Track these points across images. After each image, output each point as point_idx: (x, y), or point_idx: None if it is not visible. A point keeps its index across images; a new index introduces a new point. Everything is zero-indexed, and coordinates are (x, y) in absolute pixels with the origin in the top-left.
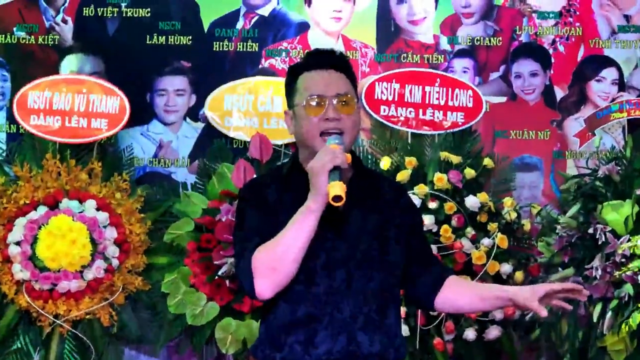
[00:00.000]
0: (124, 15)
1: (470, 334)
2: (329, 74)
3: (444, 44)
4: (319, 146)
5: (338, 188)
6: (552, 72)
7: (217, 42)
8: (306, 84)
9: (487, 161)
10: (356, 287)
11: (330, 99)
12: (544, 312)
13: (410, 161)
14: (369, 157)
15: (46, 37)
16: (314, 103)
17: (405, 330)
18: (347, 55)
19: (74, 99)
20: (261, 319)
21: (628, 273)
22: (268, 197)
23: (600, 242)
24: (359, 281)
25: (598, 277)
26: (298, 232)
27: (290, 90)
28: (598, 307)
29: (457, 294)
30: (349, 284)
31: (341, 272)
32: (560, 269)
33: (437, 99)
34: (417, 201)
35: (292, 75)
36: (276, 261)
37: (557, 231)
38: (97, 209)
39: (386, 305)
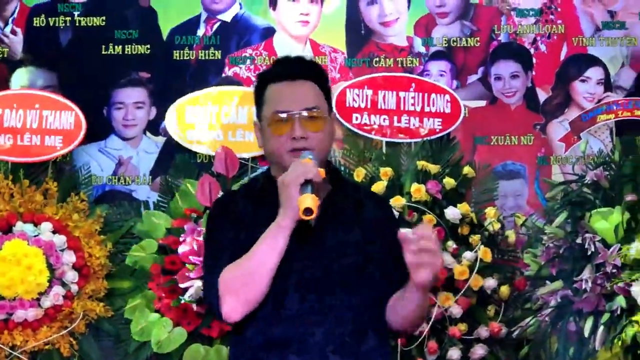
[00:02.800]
0: (77, 24)
1: (454, 354)
2: (296, 86)
3: (419, 46)
4: (289, 163)
5: (310, 200)
6: (533, 73)
7: (177, 51)
8: (272, 98)
9: (467, 170)
10: (330, 309)
11: (296, 115)
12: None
13: (386, 172)
14: (342, 168)
15: None
16: (280, 120)
17: None
18: (318, 63)
19: (26, 116)
20: (230, 344)
21: (620, 284)
22: (240, 213)
23: (589, 253)
24: (333, 303)
25: (588, 289)
26: (267, 251)
27: (259, 100)
28: (589, 322)
29: (391, 309)
30: (322, 306)
31: (314, 294)
32: (548, 281)
33: (413, 104)
34: None
35: (260, 84)
36: (244, 281)
37: (543, 242)
38: (54, 232)
39: (364, 330)
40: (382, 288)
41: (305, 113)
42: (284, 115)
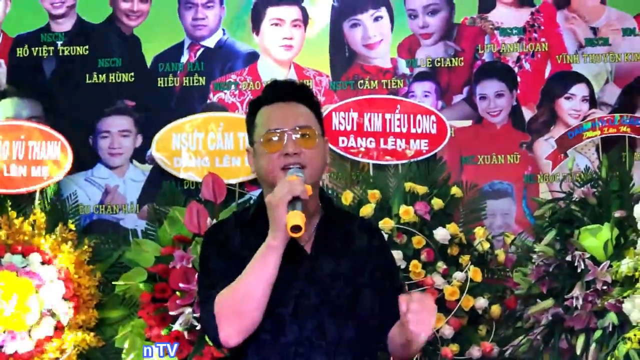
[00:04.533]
0: (60, 54)
1: None
2: (288, 107)
3: (403, 67)
4: None
5: (297, 218)
6: (518, 91)
7: (162, 78)
8: (264, 119)
9: (455, 190)
10: (329, 337)
11: (289, 132)
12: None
13: (374, 194)
14: (330, 191)
15: None
16: (272, 138)
17: None
18: (309, 86)
19: (12, 147)
20: None
21: (611, 301)
22: (233, 241)
23: (579, 270)
24: (331, 331)
25: (579, 307)
26: (259, 272)
27: (250, 126)
28: (581, 339)
29: (390, 339)
30: (322, 334)
31: (312, 321)
32: (538, 300)
33: (399, 126)
34: None
35: (252, 111)
36: (239, 304)
37: (533, 260)
38: (43, 263)
39: (361, 358)
40: (374, 317)
41: (297, 130)
42: (276, 132)
